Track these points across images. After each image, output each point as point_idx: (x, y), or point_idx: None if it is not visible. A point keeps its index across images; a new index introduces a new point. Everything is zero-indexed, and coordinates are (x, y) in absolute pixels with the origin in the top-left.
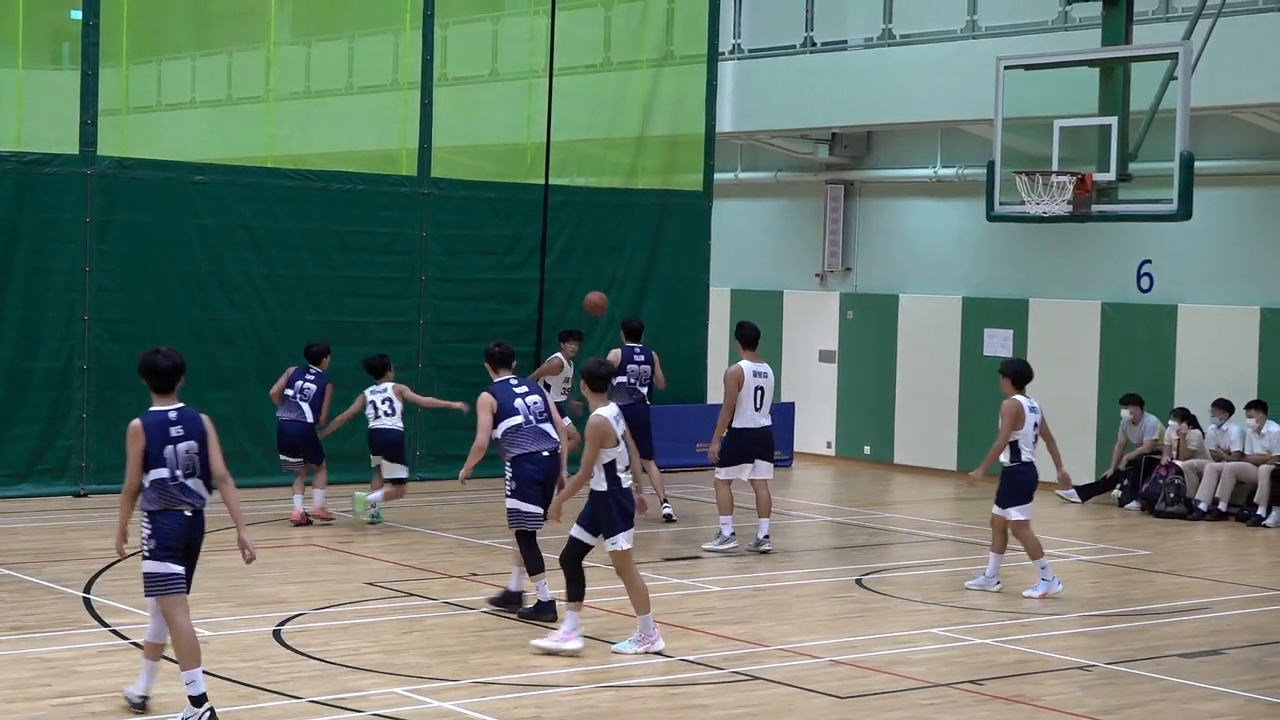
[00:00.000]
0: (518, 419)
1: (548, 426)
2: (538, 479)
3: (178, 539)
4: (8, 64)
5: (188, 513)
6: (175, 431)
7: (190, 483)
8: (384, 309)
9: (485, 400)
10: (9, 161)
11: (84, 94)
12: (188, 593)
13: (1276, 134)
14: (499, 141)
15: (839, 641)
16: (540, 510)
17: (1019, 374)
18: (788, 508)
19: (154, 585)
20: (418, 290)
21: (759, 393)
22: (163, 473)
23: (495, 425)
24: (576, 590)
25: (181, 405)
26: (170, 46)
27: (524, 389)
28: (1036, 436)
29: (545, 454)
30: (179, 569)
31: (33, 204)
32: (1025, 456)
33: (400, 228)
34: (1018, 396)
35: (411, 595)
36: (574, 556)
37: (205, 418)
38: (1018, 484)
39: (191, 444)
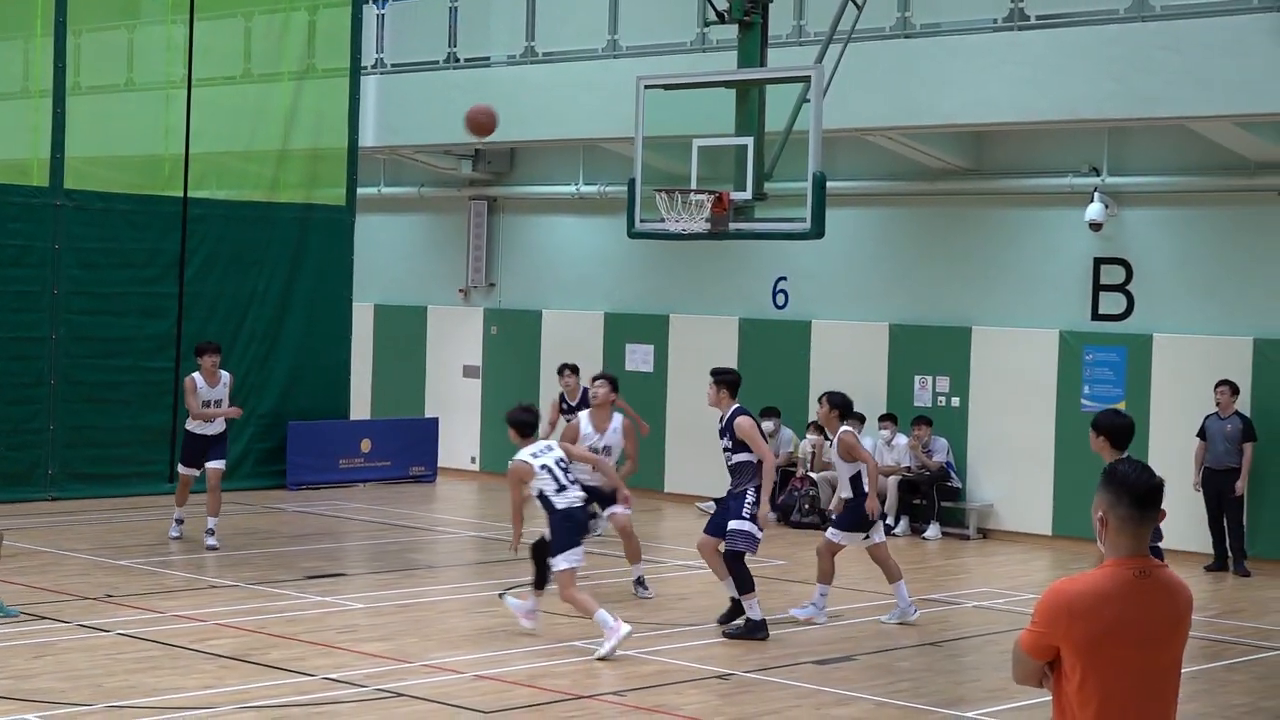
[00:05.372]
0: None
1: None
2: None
3: None
4: None
5: None
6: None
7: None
8: (13, 323)
9: (751, 424)
10: None
11: None
12: None
13: (903, 156)
14: (136, 152)
15: (483, 656)
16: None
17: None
18: (433, 523)
19: None
20: (49, 304)
21: None
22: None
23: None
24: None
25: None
26: None
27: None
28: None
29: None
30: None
31: None
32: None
33: (31, 240)
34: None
35: (43, 618)
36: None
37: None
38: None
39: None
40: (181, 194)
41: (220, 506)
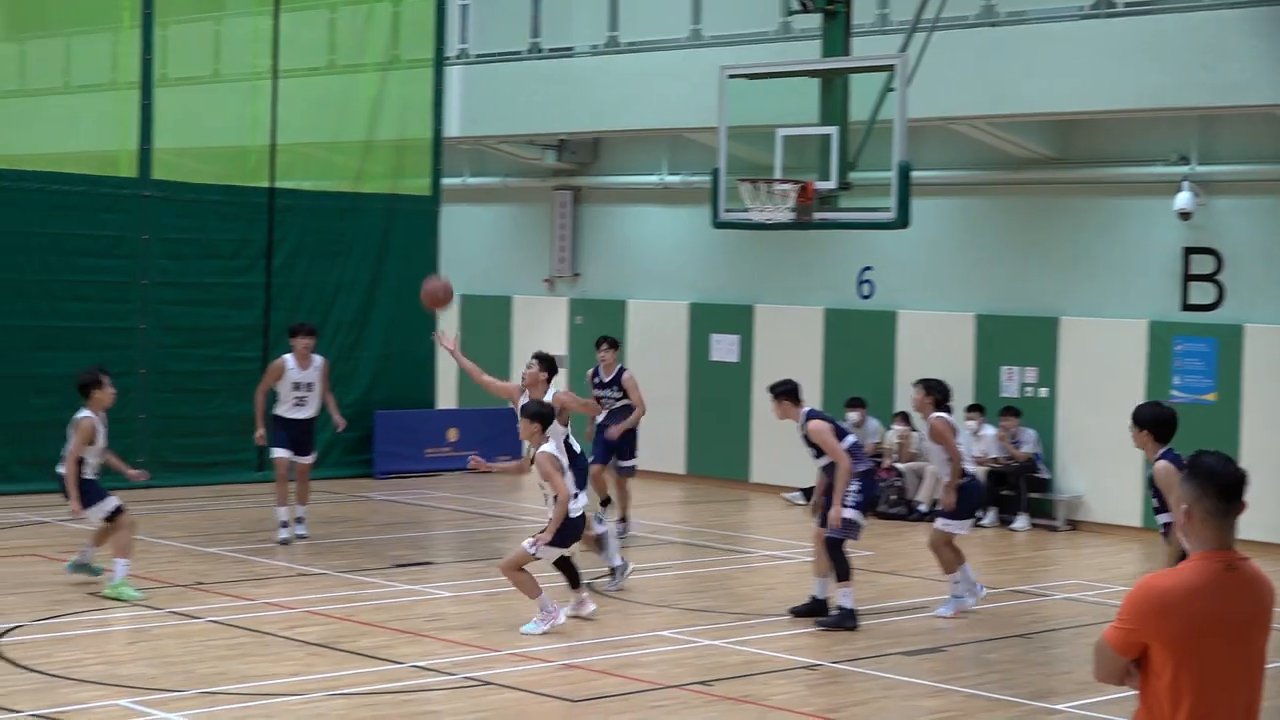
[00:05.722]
0: (852, 438)
1: None
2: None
3: None
4: None
5: None
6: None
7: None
8: (104, 314)
9: (823, 427)
10: None
11: None
12: None
13: (989, 145)
14: (223, 144)
15: (570, 645)
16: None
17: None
18: (519, 512)
19: None
20: (139, 295)
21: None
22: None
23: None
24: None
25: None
26: None
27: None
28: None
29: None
30: None
31: None
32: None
33: (121, 231)
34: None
35: (136, 605)
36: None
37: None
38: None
39: None
40: (268, 185)
41: (309, 496)
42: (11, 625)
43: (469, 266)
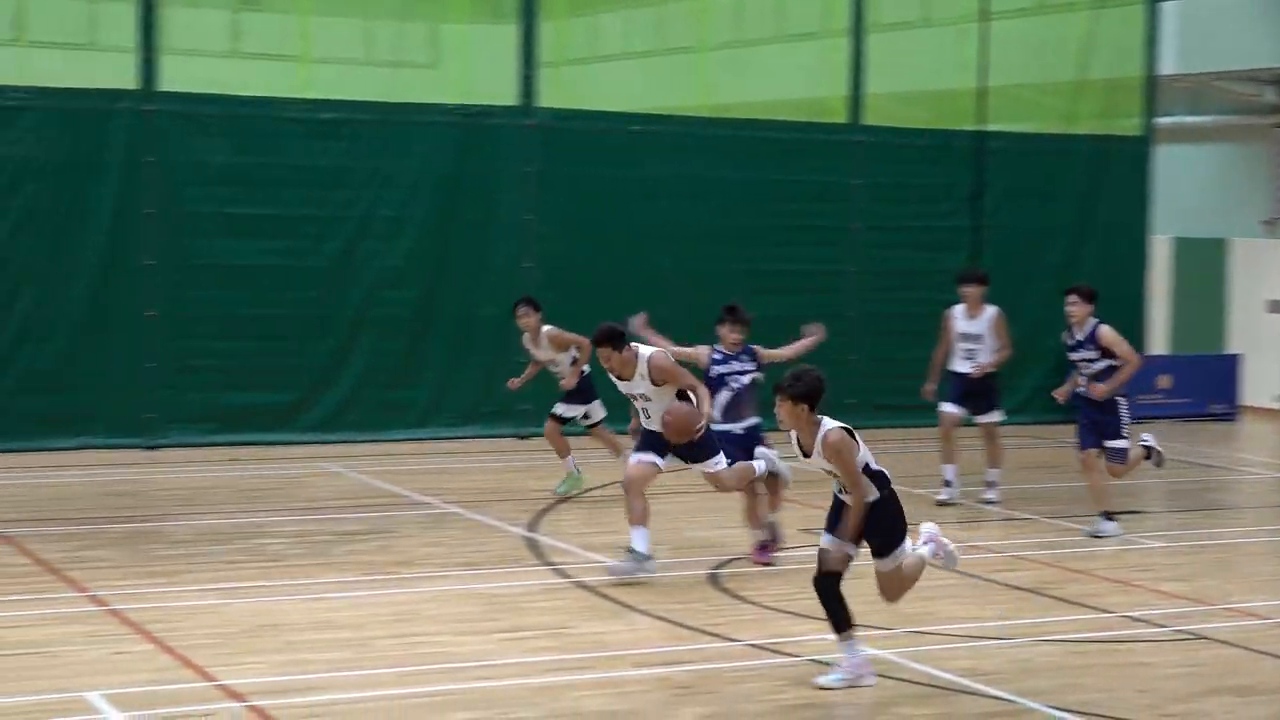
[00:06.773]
0: None
1: None
2: None
3: None
4: (453, 19)
5: None
6: None
7: None
8: (813, 257)
9: None
10: (455, 114)
11: (524, 47)
12: None
13: None
14: (931, 88)
15: None
16: None
17: None
18: (1234, 463)
19: None
20: (847, 239)
21: None
22: None
23: None
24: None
25: None
26: None
27: None
28: None
29: None
30: None
31: (477, 155)
32: None
33: (831, 176)
34: None
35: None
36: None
37: None
38: None
39: None
40: (976, 128)
41: (1000, 458)
42: (728, 558)
43: (1182, 208)
